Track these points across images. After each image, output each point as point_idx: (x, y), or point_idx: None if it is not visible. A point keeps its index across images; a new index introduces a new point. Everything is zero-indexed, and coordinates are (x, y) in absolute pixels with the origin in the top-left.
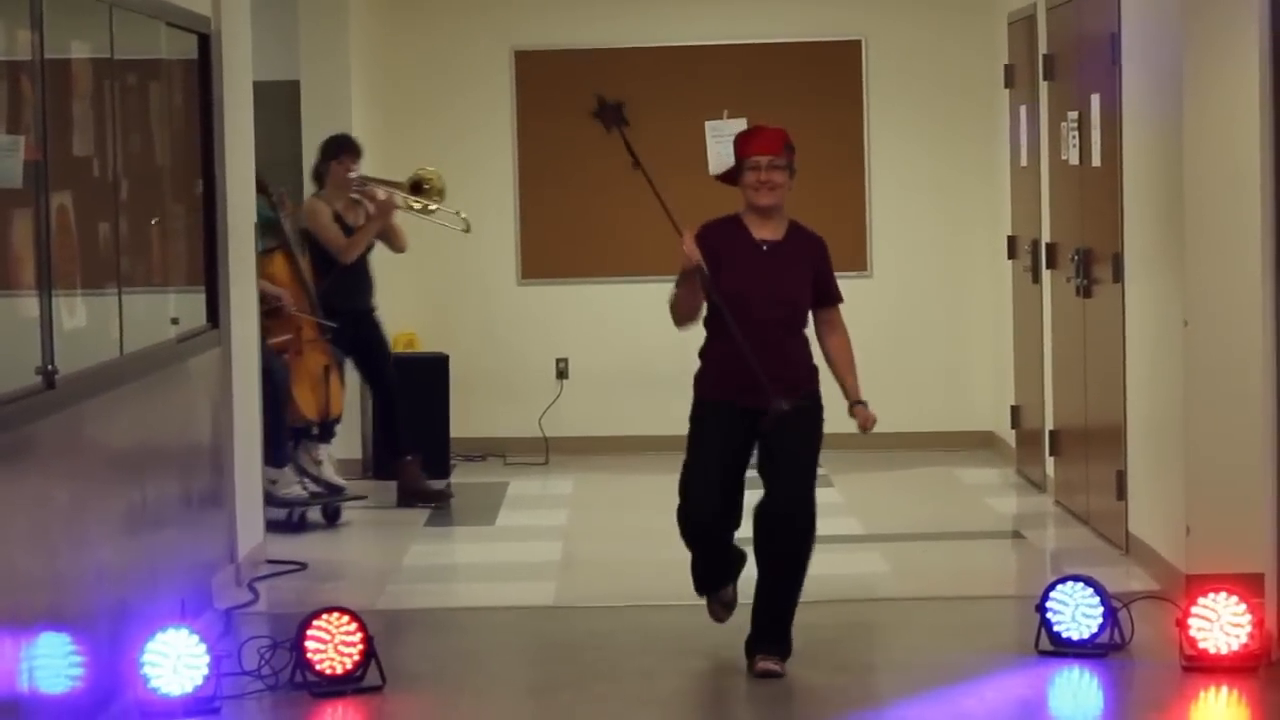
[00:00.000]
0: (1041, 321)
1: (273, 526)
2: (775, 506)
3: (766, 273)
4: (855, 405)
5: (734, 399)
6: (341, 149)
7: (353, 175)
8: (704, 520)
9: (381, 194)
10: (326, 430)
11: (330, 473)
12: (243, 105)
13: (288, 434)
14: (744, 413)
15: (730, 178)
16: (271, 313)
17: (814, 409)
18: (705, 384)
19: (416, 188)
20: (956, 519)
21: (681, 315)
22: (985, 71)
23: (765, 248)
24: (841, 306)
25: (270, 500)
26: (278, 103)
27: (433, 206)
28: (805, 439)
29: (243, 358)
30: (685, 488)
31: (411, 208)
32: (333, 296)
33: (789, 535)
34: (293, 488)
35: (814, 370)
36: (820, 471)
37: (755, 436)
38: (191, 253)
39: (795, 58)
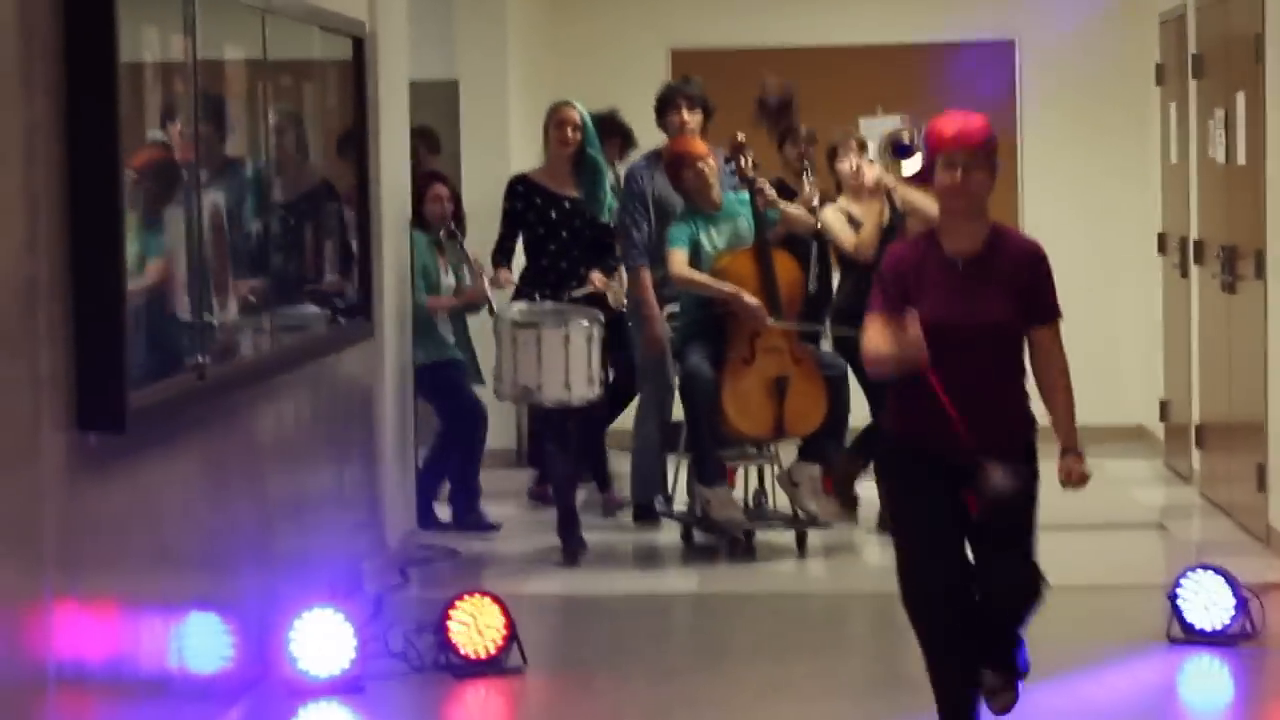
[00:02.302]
0: (1189, 317)
1: (701, 555)
2: (991, 600)
3: (962, 295)
4: (1066, 454)
5: (932, 448)
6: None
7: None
8: (939, 588)
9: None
10: (810, 449)
11: (805, 498)
12: (398, 105)
13: (712, 447)
14: (947, 464)
15: (924, 176)
16: (731, 314)
17: (1029, 457)
18: (896, 423)
19: (900, 150)
20: (1103, 510)
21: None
22: (1136, 70)
23: (960, 265)
24: (1061, 325)
25: (704, 524)
26: (437, 102)
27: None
28: (1017, 518)
29: (394, 350)
30: (906, 559)
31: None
32: (848, 298)
33: (1009, 613)
34: (728, 510)
35: (1031, 420)
36: None
37: (964, 488)
38: (345, 250)
39: (948, 58)
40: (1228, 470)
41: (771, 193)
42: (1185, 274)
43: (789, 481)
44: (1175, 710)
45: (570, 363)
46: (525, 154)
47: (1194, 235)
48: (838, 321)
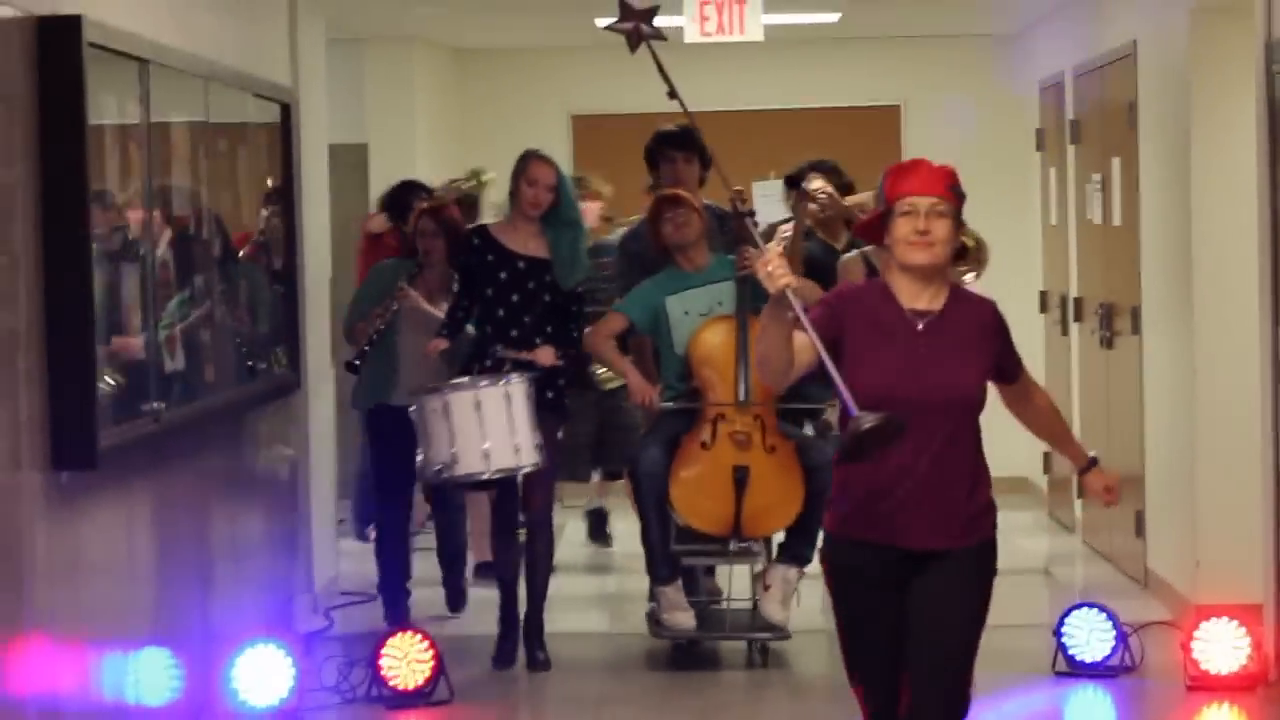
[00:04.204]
0: (1070, 372)
1: (662, 662)
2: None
3: (922, 358)
4: (1087, 471)
5: (881, 537)
6: None
7: None
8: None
9: None
10: (791, 550)
11: (771, 605)
12: (319, 167)
13: (663, 543)
14: (896, 557)
15: (873, 231)
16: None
17: (986, 562)
18: (838, 515)
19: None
20: None
21: (763, 357)
22: (1018, 135)
23: (921, 325)
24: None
25: (656, 625)
26: (346, 164)
27: (968, 279)
28: (965, 616)
29: (317, 401)
30: (867, 687)
31: None
32: None
33: None
34: (675, 614)
35: (991, 505)
36: None
37: (911, 583)
38: (274, 305)
39: (838, 122)
40: (1108, 518)
41: (756, 260)
42: (1065, 331)
43: (761, 584)
44: None
45: (486, 428)
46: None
47: (1074, 293)
48: None
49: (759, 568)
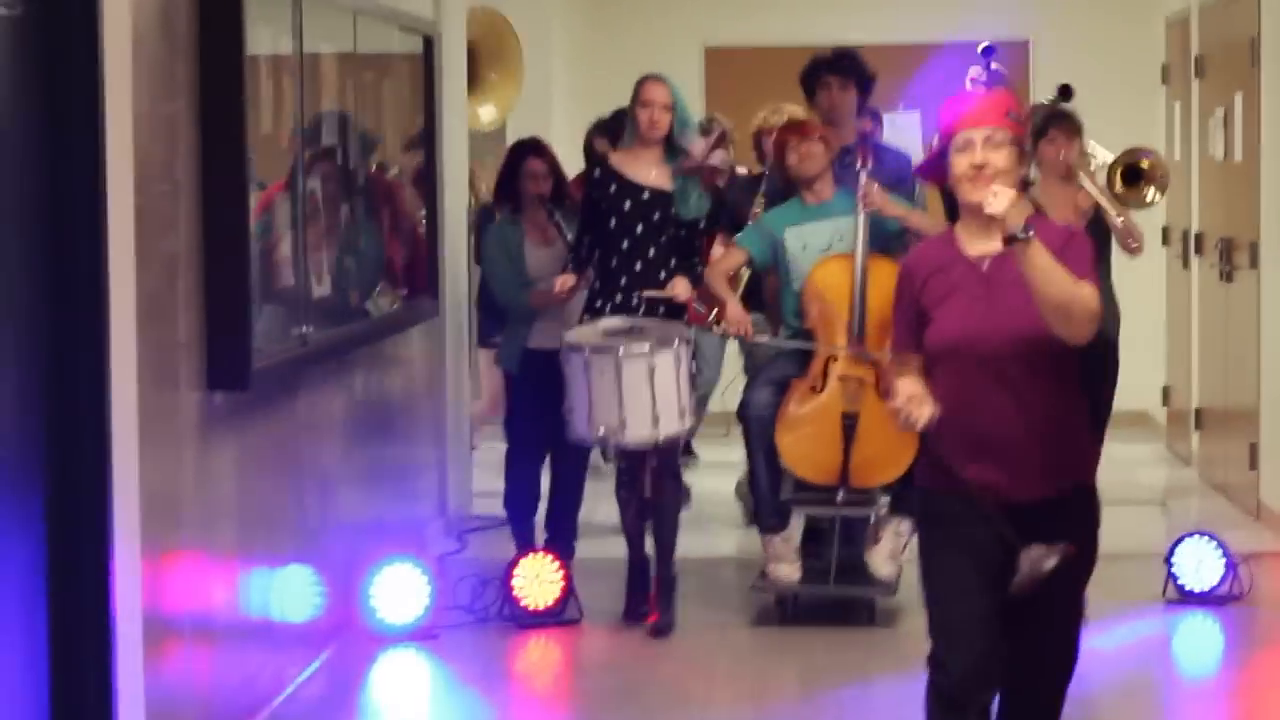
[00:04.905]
0: (1190, 306)
1: (762, 618)
2: (1020, 680)
3: (985, 301)
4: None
5: (972, 491)
6: (1048, 122)
7: (1063, 159)
8: (971, 679)
9: (1087, 192)
10: (903, 501)
11: (879, 558)
12: (457, 100)
13: (771, 491)
14: (991, 508)
15: (936, 170)
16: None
17: (1086, 518)
18: (930, 466)
19: (1132, 174)
20: (1106, 490)
21: None
22: (1144, 70)
23: (985, 266)
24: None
25: (759, 577)
26: None
27: (1150, 198)
28: (1073, 575)
29: (453, 330)
30: (941, 634)
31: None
32: None
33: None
34: (779, 566)
35: (1090, 462)
36: None
37: (1012, 544)
38: (413, 234)
39: (967, 56)
40: (1224, 451)
41: (878, 196)
42: (1186, 264)
43: (872, 536)
44: (1170, 660)
45: (658, 394)
46: (566, 149)
47: (1195, 228)
48: None
49: (874, 519)
